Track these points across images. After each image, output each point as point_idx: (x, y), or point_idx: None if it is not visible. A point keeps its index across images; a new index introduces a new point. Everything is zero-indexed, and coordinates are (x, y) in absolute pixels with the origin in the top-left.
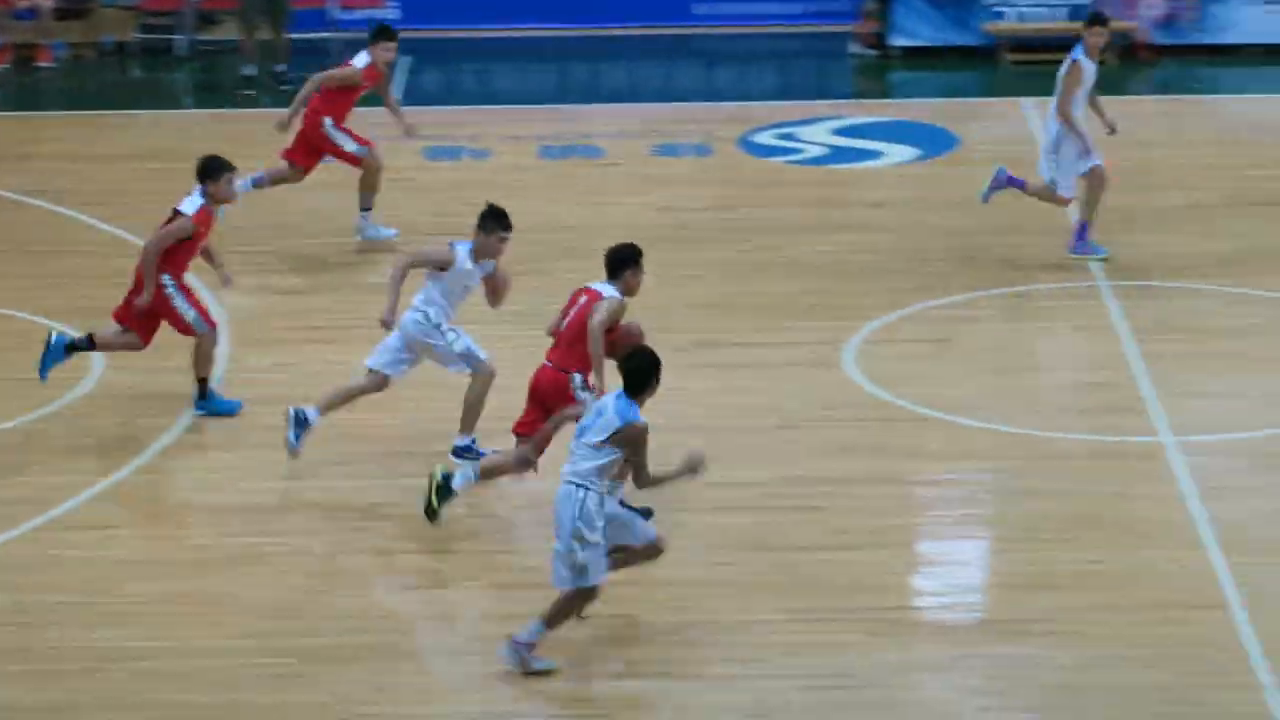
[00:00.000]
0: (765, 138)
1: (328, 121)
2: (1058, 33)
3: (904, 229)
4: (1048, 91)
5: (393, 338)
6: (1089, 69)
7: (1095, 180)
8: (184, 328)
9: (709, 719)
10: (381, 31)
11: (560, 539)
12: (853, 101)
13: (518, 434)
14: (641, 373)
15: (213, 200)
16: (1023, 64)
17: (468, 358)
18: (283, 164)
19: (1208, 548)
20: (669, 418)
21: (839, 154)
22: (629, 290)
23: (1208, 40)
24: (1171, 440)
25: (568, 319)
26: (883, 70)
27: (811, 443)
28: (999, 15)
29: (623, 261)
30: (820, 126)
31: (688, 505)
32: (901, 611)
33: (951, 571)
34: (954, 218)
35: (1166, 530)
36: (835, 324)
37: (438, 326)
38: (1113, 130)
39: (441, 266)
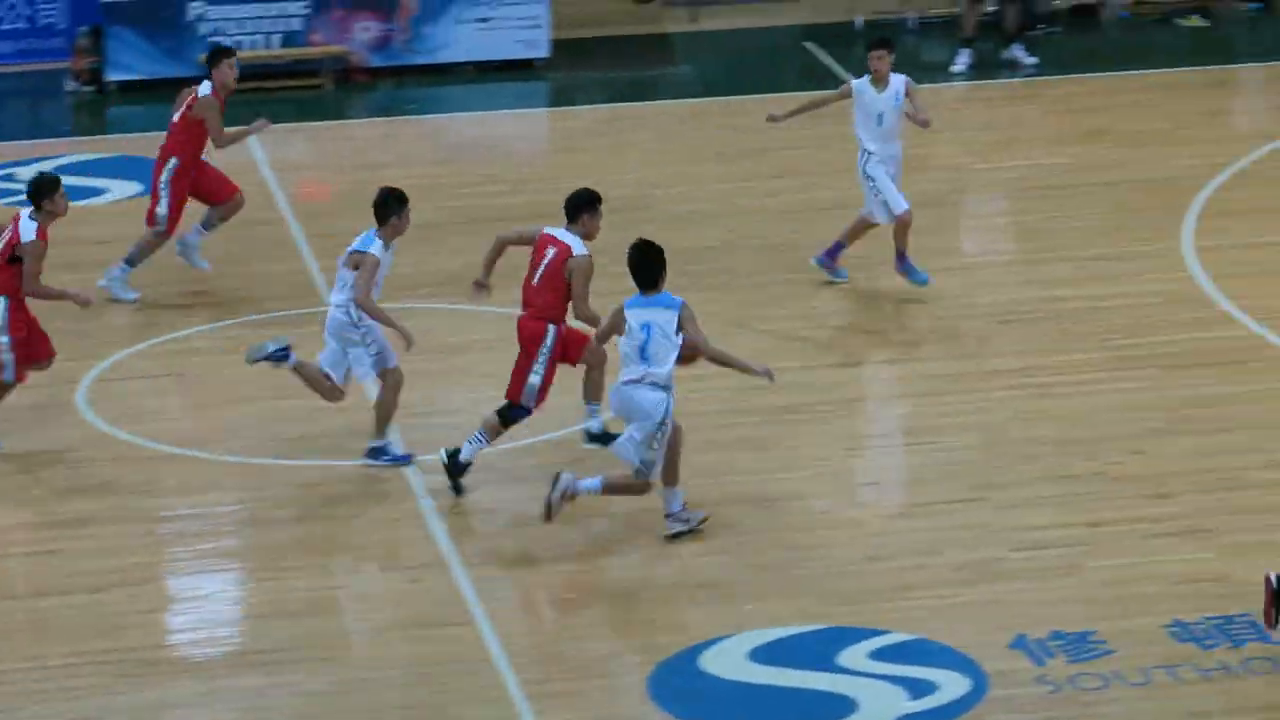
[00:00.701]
0: None
1: (173, 163)
2: (272, 60)
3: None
4: (277, 118)
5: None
6: (862, 92)
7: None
8: None
9: None
10: (220, 51)
11: (639, 430)
12: (72, 139)
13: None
14: (648, 267)
15: (50, 217)
16: (247, 92)
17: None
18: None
19: (449, 564)
20: None
21: None
22: (589, 235)
23: (422, 60)
24: (409, 461)
25: (539, 271)
26: (101, 106)
27: (51, 485)
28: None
29: (578, 206)
30: (40, 166)
31: None
32: (151, 651)
33: (198, 606)
34: None
35: (408, 550)
36: (69, 364)
37: (358, 324)
38: (926, 124)
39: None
